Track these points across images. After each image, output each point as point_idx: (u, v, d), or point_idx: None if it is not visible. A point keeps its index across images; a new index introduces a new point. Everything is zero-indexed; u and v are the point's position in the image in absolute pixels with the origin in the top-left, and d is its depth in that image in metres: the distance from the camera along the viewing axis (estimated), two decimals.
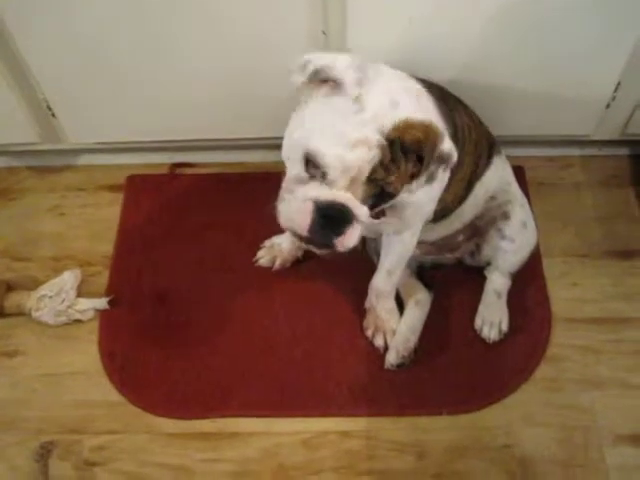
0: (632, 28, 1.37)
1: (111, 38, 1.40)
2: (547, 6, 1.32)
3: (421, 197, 1.15)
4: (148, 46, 1.42)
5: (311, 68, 0.99)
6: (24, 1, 1.33)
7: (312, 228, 1.01)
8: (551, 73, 1.46)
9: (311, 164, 0.99)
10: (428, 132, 0.99)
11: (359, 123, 0.97)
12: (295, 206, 1.02)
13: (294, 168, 1.03)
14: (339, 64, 0.98)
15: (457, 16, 1.34)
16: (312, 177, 1.00)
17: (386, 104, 0.98)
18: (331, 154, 0.96)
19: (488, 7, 1.33)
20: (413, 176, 1.02)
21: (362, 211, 1.00)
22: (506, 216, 1.41)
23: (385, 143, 0.96)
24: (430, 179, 1.03)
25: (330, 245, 1.04)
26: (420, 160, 1.00)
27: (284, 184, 1.08)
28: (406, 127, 0.98)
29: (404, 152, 0.98)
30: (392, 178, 0.99)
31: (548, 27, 1.36)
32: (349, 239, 1.03)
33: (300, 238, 1.06)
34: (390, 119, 0.97)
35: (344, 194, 0.98)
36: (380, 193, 1.01)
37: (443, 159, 1.02)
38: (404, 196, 1.07)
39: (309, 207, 1.00)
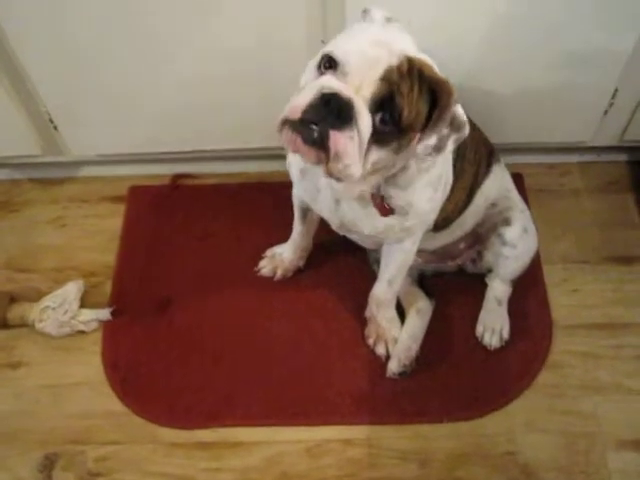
0: (628, 35, 1.38)
1: (110, 53, 1.42)
2: (544, 15, 1.33)
3: (424, 205, 1.16)
4: (146, 59, 1.44)
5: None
6: (26, 16, 1.34)
7: (308, 108, 0.91)
8: (549, 81, 1.47)
9: (325, 63, 0.95)
10: (447, 84, 0.96)
11: (386, 33, 0.97)
12: (301, 94, 0.94)
13: (307, 77, 0.99)
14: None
15: (455, 25, 1.36)
16: (320, 72, 0.96)
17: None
18: (350, 45, 0.94)
19: (486, 17, 1.34)
20: (422, 129, 0.97)
21: (365, 118, 0.91)
22: (507, 222, 1.41)
23: (405, 57, 0.93)
24: (439, 148, 0.98)
25: (322, 137, 0.92)
26: (432, 110, 0.96)
27: None
28: (429, 65, 0.96)
29: (420, 84, 0.94)
30: (405, 88, 0.92)
31: (545, 35, 1.37)
32: (344, 142, 0.92)
33: (291, 124, 0.94)
34: (414, 52, 0.96)
35: (353, 92, 0.91)
36: (387, 112, 0.93)
37: (455, 125, 0.97)
38: (411, 171, 1.05)
39: (314, 91, 0.92)
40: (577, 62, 1.43)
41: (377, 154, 0.96)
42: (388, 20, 1.02)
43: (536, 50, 1.41)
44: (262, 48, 1.41)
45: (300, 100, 0.92)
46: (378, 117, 0.93)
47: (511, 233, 1.41)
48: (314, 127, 0.91)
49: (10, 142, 1.61)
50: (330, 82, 0.92)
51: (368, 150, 0.94)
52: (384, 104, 0.92)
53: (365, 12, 1.04)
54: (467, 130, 0.99)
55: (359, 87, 0.92)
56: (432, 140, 0.97)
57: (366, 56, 0.92)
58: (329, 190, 1.18)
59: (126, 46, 1.41)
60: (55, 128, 1.59)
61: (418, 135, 0.98)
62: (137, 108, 1.55)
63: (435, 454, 1.36)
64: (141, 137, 1.63)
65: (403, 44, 0.96)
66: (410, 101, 0.93)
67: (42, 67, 1.45)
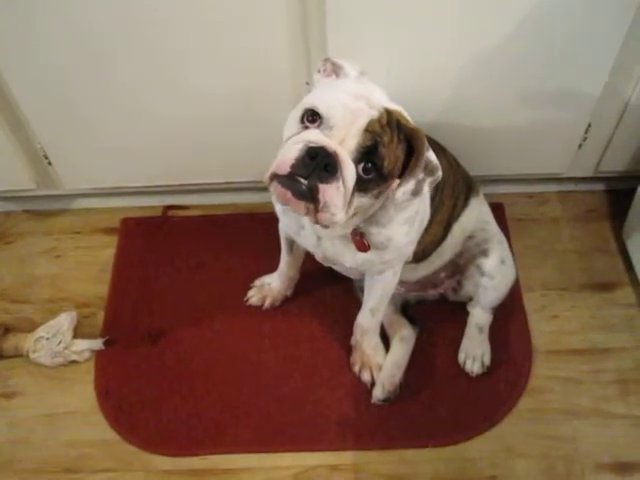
0: (600, 74, 1.43)
1: (101, 93, 1.47)
2: (517, 53, 1.38)
3: (401, 239, 1.20)
4: (135, 100, 1.49)
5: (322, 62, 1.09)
6: (20, 59, 1.39)
7: (296, 163, 0.94)
8: (524, 117, 1.52)
9: (308, 117, 0.99)
10: (421, 131, 1.02)
11: (361, 86, 1.02)
12: (287, 147, 0.98)
13: (290, 130, 1.02)
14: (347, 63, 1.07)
15: (433, 66, 1.41)
16: (303, 125, 1.00)
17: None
18: (332, 99, 0.98)
19: (461, 58, 1.39)
20: (399, 176, 1.02)
21: (350, 169, 0.96)
22: (485, 254, 1.45)
23: (383, 109, 0.99)
24: (416, 192, 1.03)
25: (311, 190, 0.95)
26: (408, 156, 1.02)
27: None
28: (404, 115, 1.02)
29: (398, 133, 1.00)
30: (386, 138, 0.97)
31: (519, 75, 1.43)
32: (332, 193, 0.95)
33: (280, 179, 0.97)
34: (388, 103, 1.02)
35: (337, 145, 0.95)
36: (370, 161, 0.97)
37: (429, 169, 1.02)
38: (390, 210, 1.09)
39: (299, 146, 0.95)
40: (550, 99, 1.48)
41: (359, 200, 1.01)
42: (361, 74, 1.07)
43: (510, 89, 1.46)
44: (247, 91, 1.46)
45: (287, 155, 0.96)
46: (361, 167, 0.97)
47: (489, 264, 1.44)
48: (303, 181, 0.95)
49: (5, 177, 1.65)
50: (316, 136, 0.96)
51: (352, 197, 0.99)
52: (367, 154, 0.97)
53: (338, 67, 1.08)
54: (440, 173, 1.04)
55: (343, 139, 0.96)
56: (410, 185, 1.02)
57: (349, 110, 0.97)
58: (312, 227, 1.21)
59: (116, 87, 1.46)
60: (49, 163, 1.63)
61: (397, 180, 1.03)
62: (128, 145, 1.59)
63: (420, 478, 1.38)
64: (132, 171, 1.68)
65: (379, 97, 1.01)
66: (391, 150, 0.98)
67: (36, 107, 1.50)
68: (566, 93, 1.47)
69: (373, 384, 1.48)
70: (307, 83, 1.16)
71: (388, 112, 0.99)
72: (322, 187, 0.95)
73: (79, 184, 1.72)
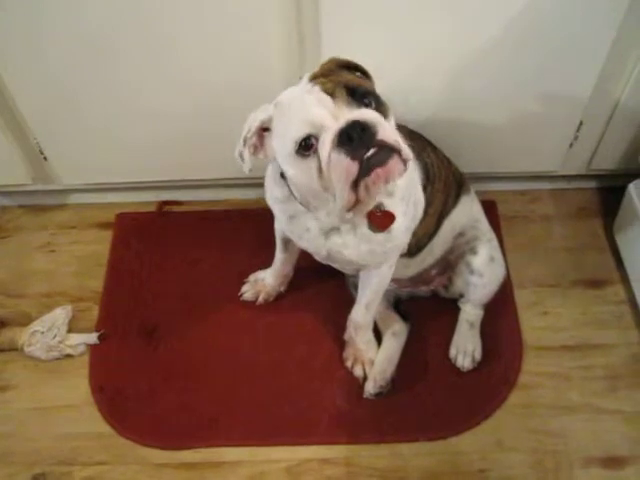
0: (591, 74, 1.45)
1: (97, 87, 1.48)
2: (509, 52, 1.40)
3: (401, 219, 1.20)
4: (132, 93, 1.49)
5: (242, 143, 1.10)
6: (16, 56, 1.40)
7: (354, 154, 0.96)
8: (516, 114, 1.54)
9: (305, 150, 1.00)
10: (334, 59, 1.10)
11: (289, 99, 1.06)
12: (331, 170, 0.99)
13: (305, 174, 1.04)
14: (251, 115, 1.10)
15: (425, 64, 1.42)
16: (307, 154, 1.01)
17: None
18: (295, 120, 1.01)
19: (454, 56, 1.41)
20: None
21: (368, 112, 0.99)
22: (474, 252, 1.46)
23: (314, 78, 1.04)
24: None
25: (381, 146, 0.97)
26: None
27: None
28: (327, 65, 1.09)
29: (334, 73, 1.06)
30: (341, 78, 1.02)
31: (511, 72, 1.44)
32: (388, 129, 0.98)
33: (360, 175, 0.98)
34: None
35: (341, 120, 0.97)
36: (358, 95, 1.01)
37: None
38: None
39: (335, 154, 0.97)
40: (542, 98, 1.50)
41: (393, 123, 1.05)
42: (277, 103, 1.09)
43: (502, 87, 1.47)
44: (242, 85, 1.47)
45: (341, 164, 0.97)
46: (363, 105, 1.01)
47: (478, 262, 1.46)
48: (372, 151, 0.97)
49: (1, 172, 1.66)
50: (329, 136, 0.97)
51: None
52: (354, 97, 1.00)
53: (264, 125, 1.10)
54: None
55: (336, 115, 0.98)
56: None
57: (308, 106, 1.00)
58: (320, 230, 1.22)
59: (112, 83, 1.47)
60: (45, 159, 1.65)
61: None
62: (124, 139, 1.60)
63: (411, 472, 1.39)
64: (128, 167, 1.69)
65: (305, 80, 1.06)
66: (352, 78, 1.05)
67: (32, 102, 1.51)
68: (558, 92, 1.49)
69: (365, 379, 1.49)
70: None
71: (316, 76, 1.04)
72: (381, 135, 0.97)
73: (75, 179, 1.74)
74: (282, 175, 1.15)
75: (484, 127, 1.57)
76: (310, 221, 1.22)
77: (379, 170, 0.98)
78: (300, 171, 1.04)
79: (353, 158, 0.97)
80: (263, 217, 1.49)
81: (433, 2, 1.31)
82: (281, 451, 1.42)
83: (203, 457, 1.42)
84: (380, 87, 1.38)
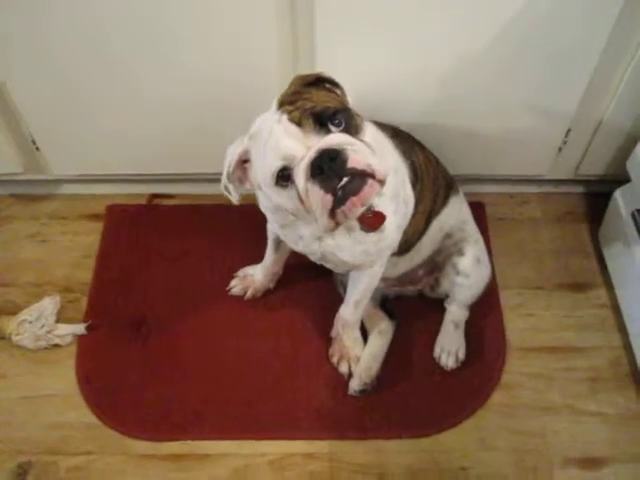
0: (580, 79, 1.46)
1: (90, 78, 1.48)
2: (500, 58, 1.41)
3: (391, 218, 1.22)
4: (124, 85, 1.50)
5: (225, 181, 1.14)
6: (9, 44, 1.40)
7: (327, 185, 0.99)
8: (506, 119, 1.56)
9: (282, 182, 1.03)
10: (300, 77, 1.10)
11: (263, 134, 1.06)
12: (308, 200, 1.02)
13: (288, 201, 1.07)
14: (229, 149, 1.13)
15: (417, 67, 1.43)
16: (286, 184, 1.04)
17: None
18: (268, 154, 1.02)
19: (446, 59, 1.42)
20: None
21: (338, 137, 1.01)
22: (461, 253, 1.48)
23: (281, 106, 1.05)
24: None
25: (354, 174, 0.99)
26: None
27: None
28: (294, 86, 1.10)
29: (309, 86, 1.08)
30: (308, 104, 1.03)
31: (502, 77, 1.46)
32: (359, 154, 1.00)
33: (336, 205, 1.01)
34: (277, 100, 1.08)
35: (311, 148, 0.99)
36: (325, 118, 1.02)
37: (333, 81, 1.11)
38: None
39: (310, 185, 1.00)
40: (532, 104, 1.52)
41: (363, 139, 1.05)
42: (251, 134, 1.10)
43: (492, 92, 1.49)
44: (232, 82, 1.48)
45: (316, 197, 1.00)
46: (333, 127, 1.02)
47: (464, 263, 1.48)
48: (344, 180, 0.99)
49: None
50: (302, 168, 1.00)
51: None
52: (322, 119, 1.02)
53: (242, 157, 1.12)
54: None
55: (306, 144, 1.01)
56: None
57: (277, 138, 1.02)
58: (312, 236, 1.24)
59: (105, 72, 1.47)
60: (37, 149, 1.64)
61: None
62: (116, 132, 1.61)
63: (394, 468, 1.41)
64: (120, 159, 1.69)
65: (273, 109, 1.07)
66: (319, 99, 1.05)
67: (26, 92, 1.51)
68: (546, 100, 1.51)
69: (350, 376, 1.51)
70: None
71: (283, 103, 1.05)
72: (351, 163, 0.99)
73: (66, 170, 1.73)
74: None
75: (474, 131, 1.58)
76: (302, 228, 1.23)
77: (354, 198, 1.01)
78: (284, 199, 1.07)
79: (326, 190, 0.99)
80: (253, 212, 1.48)
81: (427, 6, 1.32)
82: (265, 445, 1.44)
83: (189, 449, 1.43)
84: (372, 86, 1.40)
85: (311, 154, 0.99)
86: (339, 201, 1.01)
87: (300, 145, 1.01)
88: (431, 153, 1.44)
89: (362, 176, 1.00)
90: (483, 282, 1.52)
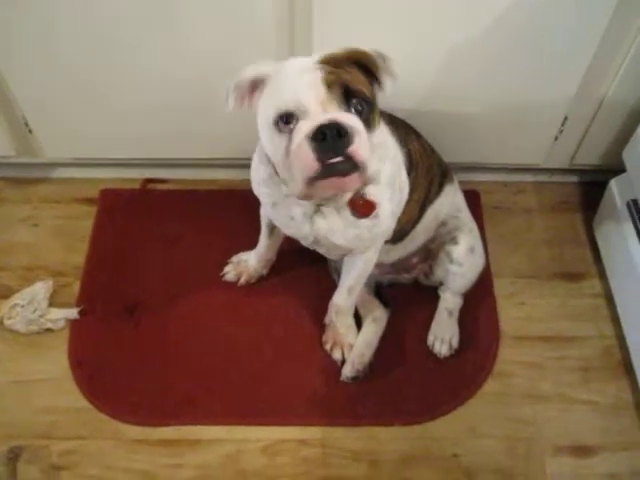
0: (576, 69, 1.46)
1: (85, 62, 1.47)
2: (497, 44, 1.41)
3: (387, 205, 1.22)
4: (118, 68, 1.49)
5: (232, 86, 1.09)
6: (4, 26, 1.39)
7: (320, 153, 0.98)
8: (503, 108, 1.55)
9: (282, 124, 1.01)
10: (356, 48, 1.06)
11: (288, 65, 1.06)
12: (295, 155, 1.00)
13: (277, 147, 1.04)
14: (252, 65, 1.08)
15: (413, 54, 1.41)
16: (282, 130, 1.02)
17: None
18: (286, 91, 1.01)
19: (442, 47, 1.42)
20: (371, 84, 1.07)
21: (353, 120, 0.99)
22: (455, 241, 1.48)
23: (320, 60, 1.03)
24: (393, 76, 1.08)
25: (349, 159, 0.98)
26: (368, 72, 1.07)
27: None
28: (334, 53, 1.05)
29: (346, 65, 1.04)
30: (348, 77, 1.01)
31: (499, 65, 1.45)
32: (361, 147, 0.99)
33: (320, 175, 0.99)
34: (316, 56, 1.05)
35: (325, 115, 0.98)
36: (353, 98, 1.01)
37: (382, 56, 1.08)
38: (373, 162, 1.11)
39: (305, 144, 0.98)
40: (529, 90, 1.51)
41: (373, 138, 1.05)
42: (275, 63, 1.09)
43: (489, 80, 1.49)
44: (227, 65, 1.45)
45: (305, 157, 0.98)
46: (352, 111, 1.01)
47: (457, 252, 1.48)
48: (338, 159, 0.98)
49: None
50: (307, 125, 0.98)
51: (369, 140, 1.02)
52: (347, 98, 1.01)
53: (253, 81, 1.09)
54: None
55: (323, 108, 0.99)
56: (389, 81, 1.08)
57: (302, 87, 1.00)
58: (304, 217, 1.23)
59: (100, 55, 1.46)
60: (30, 131, 1.63)
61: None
62: (110, 115, 1.60)
63: (385, 455, 1.42)
64: (113, 142, 1.68)
65: (306, 59, 1.05)
66: (358, 80, 1.03)
67: (19, 74, 1.50)
68: (543, 87, 1.50)
69: (343, 362, 1.51)
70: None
71: (325, 61, 1.03)
72: (353, 149, 0.98)
73: (59, 153, 1.72)
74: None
75: (470, 119, 1.58)
76: (294, 208, 1.22)
77: (336, 179, 1.00)
78: (271, 143, 1.06)
79: (318, 158, 0.98)
80: (247, 198, 1.47)
81: None
82: (258, 431, 1.44)
83: (180, 434, 1.43)
84: None
85: (323, 118, 0.98)
86: (322, 174, 0.99)
87: (318, 104, 0.99)
88: (426, 141, 1.44)
89: (354, 165, 0.99)
90: (477, 271, 1.53)
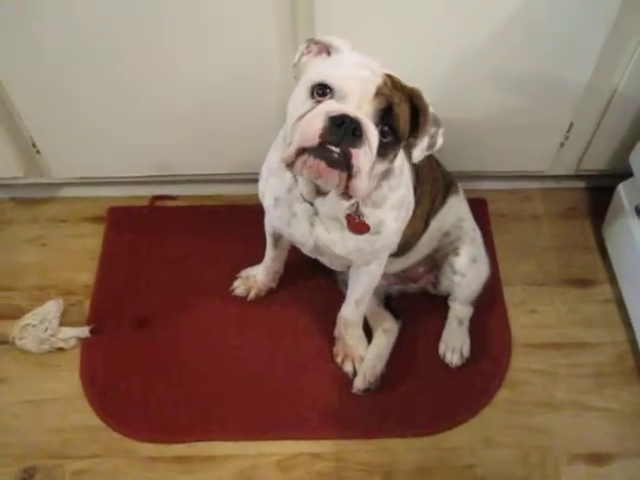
0: (581, 75, 1.46)
1: (91, 82, 1.48)
2: (502, 52, 1.41)
3: (392, 224, 1.22)
4: (124, 90, 1.50)
5: (308, 40, 1.10)
6: (10, 50, 1.40)
7: (325, 132, 0.95)
8: (508, 115, 1.55)
9: (318, 91, 1.00)
10: (419, 90, 1.05)
11: (360, 57, 1.05)
12: (306, 121, 0.98)
13: (299, 107, 1.02)
14: (330, 35, 1.09)
15: (418, 61, 1.41)
16: (312, 97, 1.01)
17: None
18: (339, 71, 1.00)
19: (447, 54, 1.42)
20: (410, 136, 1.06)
21: (374, 134, 0.97)
22: (456, 252, 1.48)
23: (385, 75, 1.01)
24: (432, 146, 1.07)
25: (344, 156, 0.96)
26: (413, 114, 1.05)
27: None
28: (399, 79, 1.04)
29: (401, 95, 1.02)
30: (396, 100, 1.00)
31: (504, 72, 1.46)
32: (362, 158, 0.97)
33: (311, 151, 0.98)
34: (386, 70, 1.03)
35: (356, 111, 0.97)
36: (386, 124, 1.00)
37: (437, 121, 1.06)
38: (383, 190, 1.12)
39: (321, 117, 0.96)
40: (534, 96, 1.51)
41: (379, 167, 1.04)
42: (352, 48, 1.09)
43: (494, 87, 1.49)
44: (233, 82, 1.48)
45: (312, 127, 0.97)
46: (379, 129, 0.99)
47: (459, 263, 1.48)
48: (334, 149, 0.97)
49: None
50: (335, 106, 0.98)
51: (373, 165, 1.01)
52: (383, 117, 0.99)
53: (327, 45, 1.09)
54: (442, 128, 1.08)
55: (359, 106, 0.98)
56: (425, 142, 1.05)
57: (358, 78, 0.99)
58: (305, 214, 1.22)
59: (106, 78, 1.47)
60: (37, 152, 1.64)
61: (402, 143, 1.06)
62: (116, 135, 1.60)
63: (399, 467, 1.41)
64: (120, 162, 1.69)
65: (378, 65, 1.04)
66: (402, 111, 1.01)
67: (26, 96, 1.51)
68: (549, 92, 1.50)
69: (355, 375, 1.50)
70: (294, 65, 1.18)
71: (390, 77, 1.02)
72: (354, 152, 0.96)
73: (67, 173, 1.73)
74: None
75: (475, 126, 1.58)
76: (297, 205, 1.22)
77: (321, 164, 0.98)
78: (296, 102, 1.05)
79: (321, 135, 0.96)
80: (254, 213, 1.49)
81: (426, 2, 1.32)
82: (272, 445, 1.43)
83: (194, 451, 1.43)
84: None
85: (353, 110, 0.97)
86: (314, 152, 0.97)
87: (358, 99, 0.98)
88: (432, 155, 1.43)
89: (344, 163, 0.98)
90: (481, 280, 1.53)
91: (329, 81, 0.99)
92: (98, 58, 1.43)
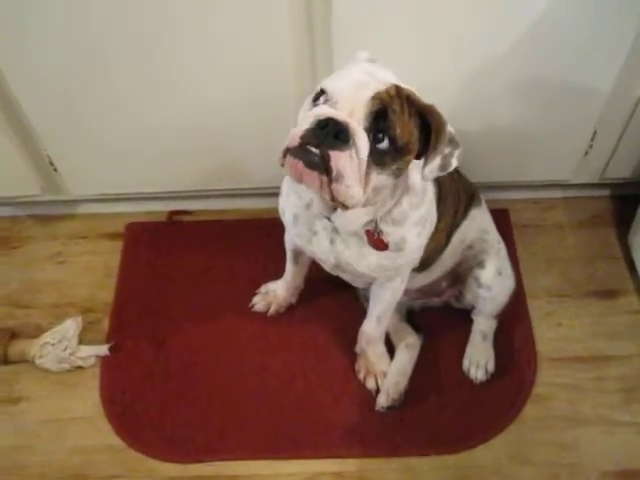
0: (605, 83, 1.44)
1: (108, 99, 1.48)
2: (524, 62, 1.39)
3: (414, 240, 1.20)
4: (142, 107, 1.50)
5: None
6: (28, 68, 1.40)
7: (307, 133, 0.96)
8: (530, 124, 1.53)
9: (319, 96, 1.01)
10: (435, 107, 1.02)
11: (371, 66, 1.04)
12: (298, 124, 0.99)
13: (303, 113, 1.04)
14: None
15: (436, 71, 1.41)
16: (312, 103, 1.02)
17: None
18: (341, 77, 1.00)
19: (466, 64, 1.40)
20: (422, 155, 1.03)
21: (361, 137, 0.95)
22: (482, 265, 1.45)
23: (391, 84, 0.99)
24: (444, 167, 1.03)
25: (323, 159, 0.95)
26: (423, 130, 1.02)
27: None
28: (414, 93, 1.01)
29: (409, 108, 0.99)
30: (396, 106, 0.97)
31: (526, 82, 1.44)
32: (344, 161, 0.95)
33: (292, 151, 0.98)
34: (398, 82, 1.01)
35: (346, 115, 0.96)
36: (381, 131, 0.97)
37: (454, 142, 1.03)
38: (404, 207, 1.12)
39: (309, 120, 0.97)
40: (557, 107, 1.49)
41: (377, 178, 1.00)
42: (372, 60, 1.08)
43: (516, 97, 1.47)
44: (252, 99, 1.47)
45: (297, 129, 0.97)
46: (372, 135, 0.97)
47: (485, 276, 1.45)
48: (314, 150, 0.96)
49: (12, 183, 1.66)
50: (324, 110, 0.97)
51: (369, 173, 0.98)
52: (377, 123, 0.97)
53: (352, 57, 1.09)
54: (459, 147, 1.04)
55: (352, 111, 0.96)
56: (437, 161, 1.02)
57: (354, 83, 0.98)
58: (325, 232, 1.21)
59: (121, 95, 1.47)
60: (55, 170, 1.64)
61: (417, 160, 1.04)
62: (134, 152, 1.60)
63: None
64: (138, 178, 1.69)
65: (388, 75, 1.02)
66: (402, 120, 0.98)
67: (43, 114, 1.51)
68: (572, 101, 1.48)
69: (378, 391, 1.48)
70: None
71: (397, 87, 1.00)
72: (333, 154, 0.95)
73: (84, 190, 1.73)
74: None
75: (499, 136, 1.56)
76: (317, 223, 1.21)
77: (299, 165, 0.97)
78: (302, 113, 1.05)
79: (302, 137, 0.96)
80: (274, 227, 1.48)
81: (441, 12, 1.31)
82: (293, 464, 1.42)
83: (214, 470, 1.41)
84: None
85: (341, 115, 0.96)
86: (295, 152, 0.97)
87: (349, 102, 0.97)
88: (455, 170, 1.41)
89: (322, 165, 0.96)
90: (507, 293, 1.50)
91: (326, 86, 1.00)
92: (114, 76, 1.42)
